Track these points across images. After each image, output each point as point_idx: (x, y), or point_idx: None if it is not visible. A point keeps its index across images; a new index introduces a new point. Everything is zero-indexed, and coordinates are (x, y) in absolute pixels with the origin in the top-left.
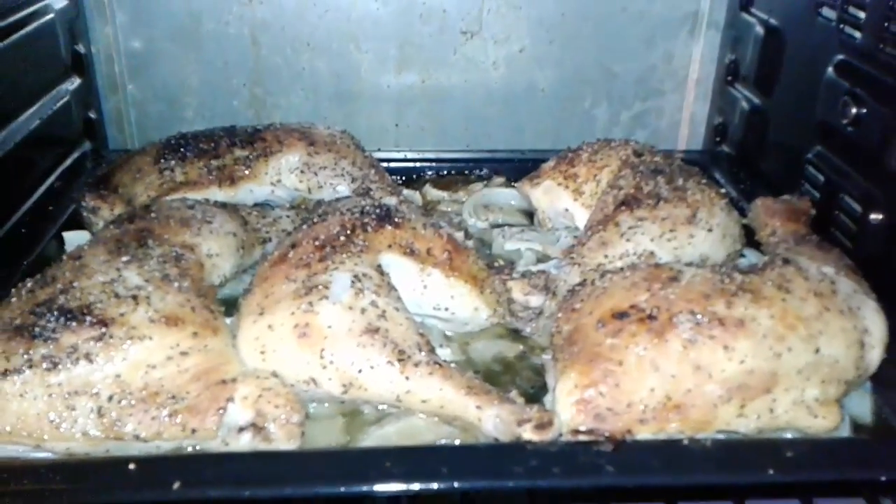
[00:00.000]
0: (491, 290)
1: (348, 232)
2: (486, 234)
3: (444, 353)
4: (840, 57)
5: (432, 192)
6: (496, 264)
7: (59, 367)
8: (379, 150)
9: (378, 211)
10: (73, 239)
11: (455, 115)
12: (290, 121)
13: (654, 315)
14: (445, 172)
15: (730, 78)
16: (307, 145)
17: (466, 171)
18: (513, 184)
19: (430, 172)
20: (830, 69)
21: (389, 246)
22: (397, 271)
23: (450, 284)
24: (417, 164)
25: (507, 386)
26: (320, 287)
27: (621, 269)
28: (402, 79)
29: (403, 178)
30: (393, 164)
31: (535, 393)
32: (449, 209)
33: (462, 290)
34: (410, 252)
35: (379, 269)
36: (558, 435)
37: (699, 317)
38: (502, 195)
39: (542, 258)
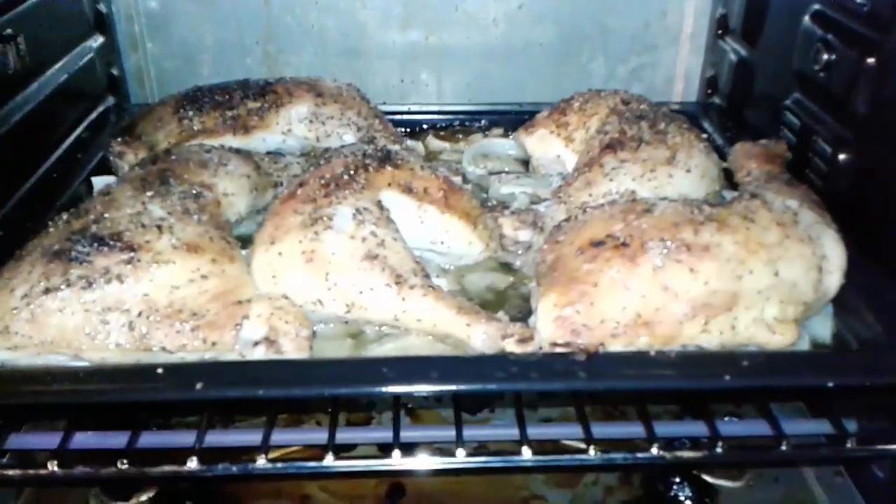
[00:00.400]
0: (483, 226)
1: (351, 171)
2: (483, 181)
3: (440, 282)
4: (816, 7)
5: (434, 143)
6: (489, 204)
7: (94, 286)
8: (384, 103)
9: (379, 154)
10: (101, 183)
11: (457, 70)
12: (300, 76)
13: (627, 242)
14: (447, 125)
15: (720, 31)
16: (315, 97)
17: (467, 123)
18: (510, 134)
19: (432, 124)
20: (807, 18)
21: (389, 184)
22: (396, 207)
23: (444, 220)
24: (420, 117)
25: (501, 307)
26: (325, 218)
27: (602, 204)
28: (406, 36)
29: (407, 129)
30: (397, 117)
31: (523, 318)
32: (450, 158)
33: (456, 226)
34: (408, 190)
35: (379, 205)
36: (538, 348)
37: (668, 243)
38: (500, 145)
39: (536, 201)
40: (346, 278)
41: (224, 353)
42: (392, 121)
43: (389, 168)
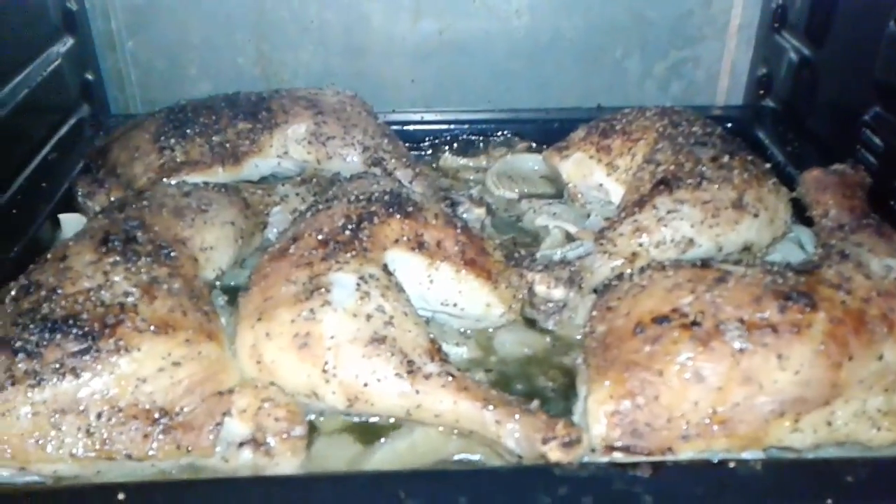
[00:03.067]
0: (507, 283)
1: (353, 225)
2: (511, 206)
3: (461, 351)
4: None
5: (451, 160)
6: (517, 252)
7: (44, 383)
8: (393, 111)
9: (387, 198)
10: (70, 222)
11: (475, 69)
12: (298, 78)
13: (699, 321)
14: (465, 136)
15: (776, 24)
16: (314, 114)
17: (489, 134)
18: (535, 146)
19: (448, 136)
20: (893, 21)
21: (396, 241)
22: (403, 265)
23: (459, 279)
24: (435, 127)
25: (532, 383)
26: (322, 290)
27: (663, 265)
28: (417, 30)
29: (421, 143)
30: (409, 128)
31: (565, 395)
32: (471, 177)
33: (473, 285)
34: (419, 246)
35: (385, 269)
36: (587, 453)
37: (749, 323)
38: (527, 161)
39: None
40: (349, 367)
41: (203, 459)
42: (404, 132)
43: (398, 218)
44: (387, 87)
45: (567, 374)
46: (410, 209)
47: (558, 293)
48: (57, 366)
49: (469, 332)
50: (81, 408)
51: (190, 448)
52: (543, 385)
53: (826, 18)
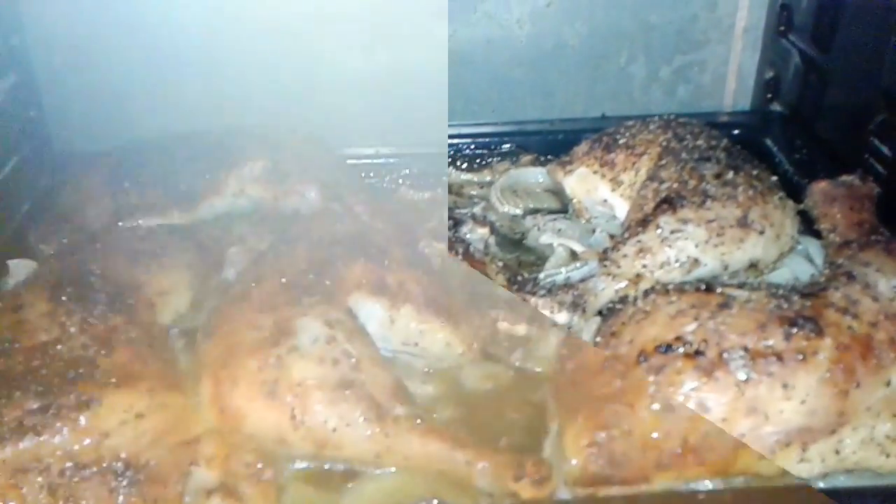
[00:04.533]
0: (467, 323)
1: (317, 269)
2: (516, 222)
3: (427, 389)
4: None
5: (455, 175)
6: (520, 275)
7: (4, 442)
8: (349, 146)
9: (349, 240)
10: (19, 267)
11: (478, 78)
12: (250, 114)
13: (702, 350)
14: (468, 151)
15: (782, 28)
16: (270, 152)
17: (493, 147)
18: (541, 159)
19: (405, 170)
20: None
21: (359, 285)
22: (366, 307)
23: (420, 320)
24: (391, 161)
25: (500, 418)
26: (289, 336)
27: (666, 289)
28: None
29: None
30: (364, 161)
31: (533, 426)
32: (475, 192)
33: (433, 326)
34: (381, 289)
35: (349, 312)
36: (558, 487)
37: (753, 351)
38: (530, 174)
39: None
40: (317, 414)
41: None
42: (361, 167)
43: (360, 262)
44: (340, 122)
45: (532, 406)
46: (373, 252)
47: (562, 318)
48: (16, 424)
49: (433, 370)
50: (43, 466)
51: (157, 500)
52: (511, 419)
53: (832, 22)
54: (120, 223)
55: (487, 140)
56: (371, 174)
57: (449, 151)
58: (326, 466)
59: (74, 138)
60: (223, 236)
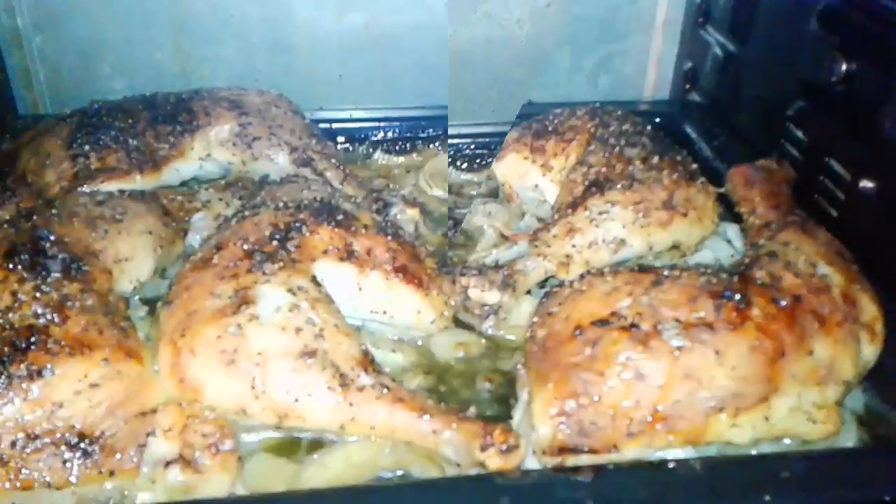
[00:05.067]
0: (438, 290)
1: (281, 234)
2: (444, 205)
3: (396, 357)
4: (826, 4)
5: (385, 158)
6: (449, 259)
7: None
8: (321, 108)
9: (316, 205)
10: None
11: (404, 65)
12: (219, 74)
13: (637, 323)
14: (396, 134)
15: (701, 20)
16: (238, 115)
17: (419, 131)
18: None
19: (379, 134)
20: (815, 17)
21: (325, 252)
22: (332, 275)
23: (390, 286)
24: (365, 125)
25: (469, 387)
26: (249, 304)
27: (601, 271)
28: (344, 22)
29: (349, 138)
30: (337, 126)
31: (502, 395)
32: (405, 174)
33: (403, 293)
34: (349, 255)
35: (314, 279)
36: (527, 458)
37: (685, 322)
38: None
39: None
40: (278, 383)
41: (128, 481)
42: (333, 130)
43: (327, 227)
44: (313, 83)
45: (504, 376)
46: (340, 217)
47: (492, 297)
48: None
49: (402, 338)
50: None
51: (113, 472)
52: (480, 388)
53: (749, 15)
54: (79, 188)
55: (412, 124)
56: (344, 138)
57: (374, 134)
58: (290, 436)
59: (38, 102)
60: (188, 202)
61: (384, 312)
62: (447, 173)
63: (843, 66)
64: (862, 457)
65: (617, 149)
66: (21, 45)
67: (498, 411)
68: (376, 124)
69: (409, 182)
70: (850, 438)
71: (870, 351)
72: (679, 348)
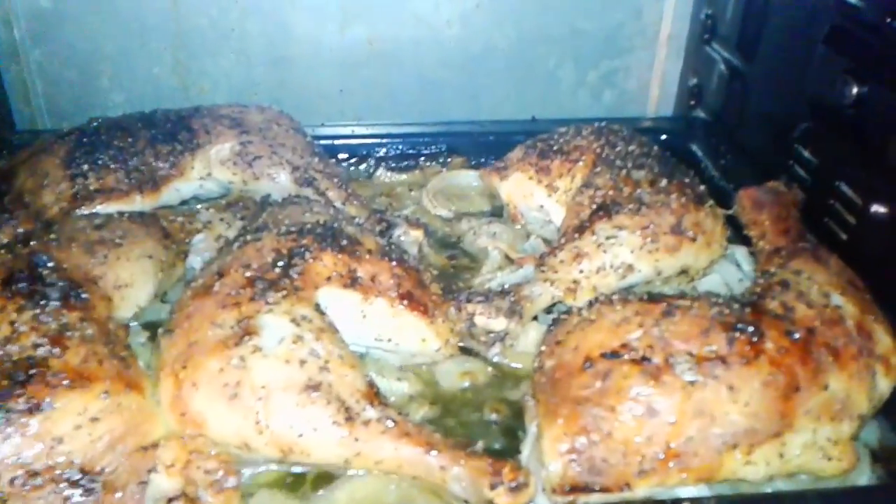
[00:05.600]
0: (443, 317)
1: (284, 261)
2: (449, 225)
3: (402, 386)
4: (836, 24)
5: (387, 176)
6: (454, 284)
7: None
8: (323, 125)
9: (319, 230)
10: None
11: (406, 80)
12: (219, 89)
13: (648, 356)
14: (398, 151)
15: (706, 36)
16: (239, 133)
17: (423, 150)
18: (470, 162)
19: (381, 151)
20: (823, 38)
21: (329, 278)
22: (336, 302)
23: (395, 314)
24: (367, 141)
25: (476, 416)
26: (252, 335)
27: (610, 299)
28: (345, 39)
29: (350, 155)
30: (339, 142)
31: (509, 426)
32: (408, 192)
33: (408, 320)
34: (353, 282)
35: (317, 308)
36: (536, 495)
37: (698, 356)
38: (462, 178)
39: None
40: (282, 418)
41: None
42: (333, 146)
43: (330, 253)
44: (314, 99)
45: (511, 406)
46: (344, 243)
47: (499, 324)
48: None
49: (407, 366)
50: None
51: None
52: (487, 419)
53: (757, 33)
54: (78, 209)
55: (415, 140)
56: (346, 155)
57: (375, 151)
58: (294, 471)
59: (36, 116)
60: (188, 223)
61: (389, 340)
62: (453, 191)
63: (855, 90)
64: (880, 493)
65: (624, 171)
66: (18, 59)
67: (505, 443)
68: (378, 140)
69: (412, 201)
70: (864, 474)
71: (885, 384)
72: (692, 383)
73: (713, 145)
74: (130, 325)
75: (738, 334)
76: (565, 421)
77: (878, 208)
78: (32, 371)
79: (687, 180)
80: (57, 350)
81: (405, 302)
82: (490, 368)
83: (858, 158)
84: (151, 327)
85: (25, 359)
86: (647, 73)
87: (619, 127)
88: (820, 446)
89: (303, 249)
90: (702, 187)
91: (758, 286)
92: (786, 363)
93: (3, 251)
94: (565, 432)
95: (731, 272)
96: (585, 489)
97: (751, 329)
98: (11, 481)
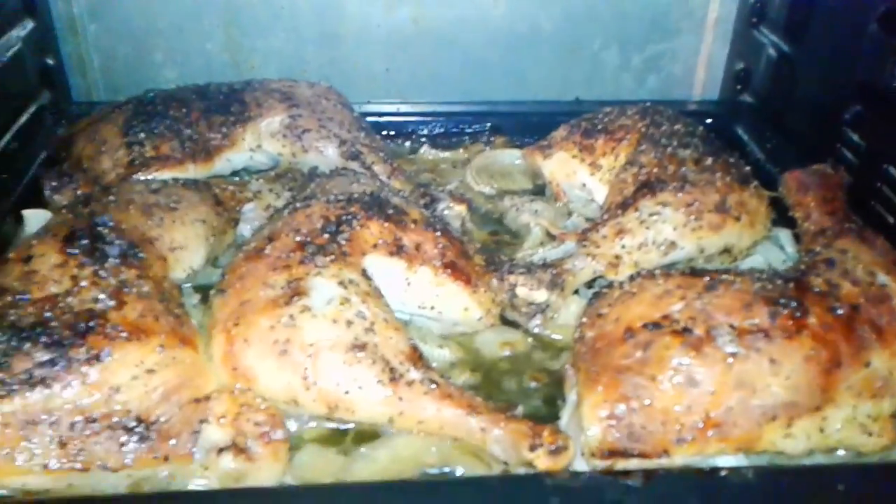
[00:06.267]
0: (486, 287)
1: (333, 228)
2: (492, 201)
3: (443, 353)
4: (887, 7)
5: (431, 153)
6: (497, 257)
7: (13, 394)
8: (369, 102)
9: (367, 199)
10: (34, 218)
11: (451, 59)
12: (269, 64)
13: (690, 327)
14: (442, 129)
15: (754, 20)
16: (289, 107)
17: (466, 128)
18: (513, 141)
19: (425, 129)
20: (875, 21)
21: (375, 245)
22: (381, 269)
23: (438, 282)
24: (412, 119)
25: (516, 384)
26: (302, 295)
27: (652, 273)
28: (392, 17)
29: (395, 133)
30: (385, 119)
31: (549, 394)
32: (452, 169)
33: (451, 289)
34: (398, 249)
35: (364, 273)
36: (575, 459)
37: (740, 329)
38: (506, 156)
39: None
40: (329, 375)
41: (181, 467)
42: (379, 123)
43: (378, 221)
44: (361, 77)
45: (550, 375)
46: (391, 212)
47: (540, 296)
48: (26, 376)
49: (449, 334)
50: (53, 419)
51: (168, 457)
52: (527, 386)
53: (806, 15)
54: (134, 175)
55: (460, 119)
56: (392, 132)
57: (421, 129)
58: (340, 427)
59: (92, 89)
60: (239, 192)
61: (432, 308)
62: (496, 169)
63: None
64: None
65: (669, 149)
66: (76, 33)
67: (544, 411)
68: (423, 119)
69: (456, 178)
70: None
71: None
72: (733, 355)
73: (759, 129)
74: (184, 287)
75: (781, 309)
76: (605, 388)
77: None
78: (92, 323)
79: (731, 160)
80: (116, 304)
81: (448, 271)
82: (530, 339)
83: None
84: (203, 290)
85: (86, 311)
86: (693, 57)
87: (664, 108)
88: (860, 422)
89: (350, 217)
90: (747, 168)
91: (802, 263)
92: (828, 339)
93: (64, 211)
94: (605, 399)
95: (775, 254)
96: (624, 454)
97: (794, 304)
98: (71, 426)
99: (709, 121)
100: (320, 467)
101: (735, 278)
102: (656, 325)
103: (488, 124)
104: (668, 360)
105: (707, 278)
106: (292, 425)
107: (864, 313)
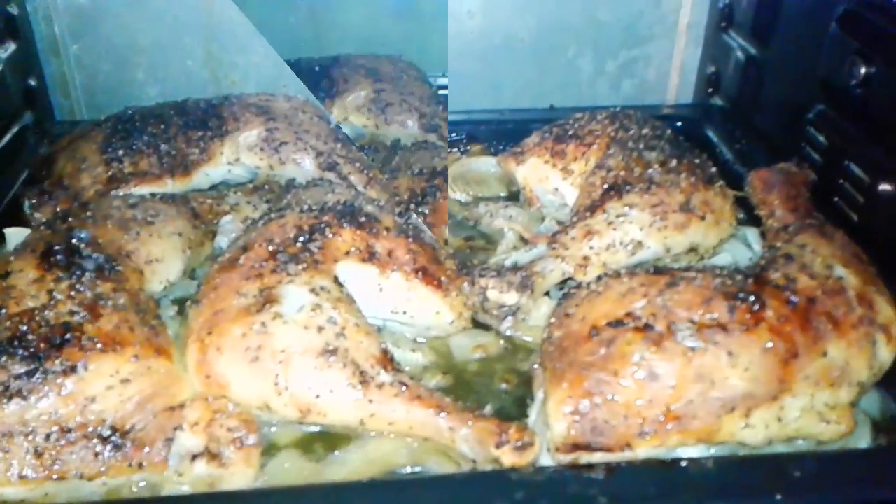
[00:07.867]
0: (457, 291)
1: (305, 236)
2: (468, 208)
3: (416, 357)
4: (845, 8)
5: None
6: (469, 261)
7: None
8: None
9: (339, 208)
10: (15, 236)
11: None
12: (248, 80)
13: (651, 324)
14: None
15: (724, 24)
16: (266, 120)
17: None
18: (489, 149)
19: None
20: (835, 21)
21: (347, 253)
22: (354, 275)
23: (410, 287)
24: None
25: (488, 387)
26: (273, 303)
27: (618, 273)
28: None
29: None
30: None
31: (520, 395)
32: None
33: (423, 294)
34: (370, 256)
35: (336, 280)
36: (541, 455)
37: (699, 323)
38: (482, 164)
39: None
40: (300, 380)
41: (157, 475)
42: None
43: (350, 229)
44: None
45: (521, 377)
46: (363, 220)
47: (511, 298)
48: (2, 388)
49: (422, 338)
50: (29, 430)
51: (142, 464)
52: (498, 388)
53: (771, 18)
54: (112, 191)
55: None
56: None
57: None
58: (311, 430)
59: (75, 108)
60: (217, 205)
61: (404, 313)
62: (473, 177)
63: (863, 70)
64: (874, 457)
65: (636, 152)
66: (58, 53)
67: (514, 411)
68: None
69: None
70: (864, 440)
71: (886, 353)
72: (692, 349)
73: (729, 130)
74: (161, 299)
75: (739, 303)
76: (570, 385)
77: (885, 186)
78: (68, 335)
79: (697, 161)
80: (91, 316)
81: (420, 276)
82: (502, 341)
83: (867, 138)
84: (181, 302)
85: (61, 324)
86: (667, 62)
87: (634, 112)
88: (818, 411)
89: (323, 225)
90: (713, 168)
91: (763, 259)
92: (785, 330)
93: (42, 227)
94: (570, 395)
95: (742, 252)
96: (588, 448)
97: (752, 298)
98: (47, 436)
99: (680, 124)
100: (294, 471)
101: (696, 275)
102: (619, 323)
103: (465, 133)
104: (630, 355)
105: (669, 276)
106: (266, 431)
107: (820, 305)
